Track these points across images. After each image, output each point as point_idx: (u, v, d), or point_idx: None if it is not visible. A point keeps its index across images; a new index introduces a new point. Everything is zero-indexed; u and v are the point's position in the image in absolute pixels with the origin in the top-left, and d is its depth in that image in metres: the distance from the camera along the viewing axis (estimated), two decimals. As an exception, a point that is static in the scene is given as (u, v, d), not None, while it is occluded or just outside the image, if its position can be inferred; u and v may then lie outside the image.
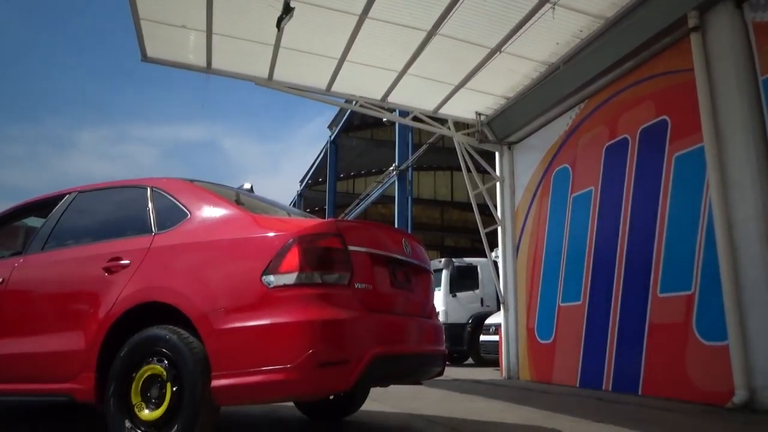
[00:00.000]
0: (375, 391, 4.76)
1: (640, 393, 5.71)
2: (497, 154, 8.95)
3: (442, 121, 8.93)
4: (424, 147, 17.01)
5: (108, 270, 3.04)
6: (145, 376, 2.72)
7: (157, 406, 2.66)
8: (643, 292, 5.85)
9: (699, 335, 5.15)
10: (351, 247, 2.82)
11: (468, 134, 8.85)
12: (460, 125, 9.05)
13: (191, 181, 3.40)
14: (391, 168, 18.16)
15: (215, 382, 2.56)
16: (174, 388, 2.62)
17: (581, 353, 6.71)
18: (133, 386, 2.72)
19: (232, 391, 2.56)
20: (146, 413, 2.67)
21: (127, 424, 2.67)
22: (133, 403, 2.70)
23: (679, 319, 5.37)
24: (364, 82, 7.72)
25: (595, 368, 6.42)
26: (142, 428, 2.65)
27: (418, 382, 3.52)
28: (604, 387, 6.23)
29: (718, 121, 5.12)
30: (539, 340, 7.66)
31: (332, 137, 23.13)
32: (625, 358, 6.01)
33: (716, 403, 4.76)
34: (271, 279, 2.63)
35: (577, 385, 6.67)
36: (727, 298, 4.81)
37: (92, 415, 4.20)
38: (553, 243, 7.60)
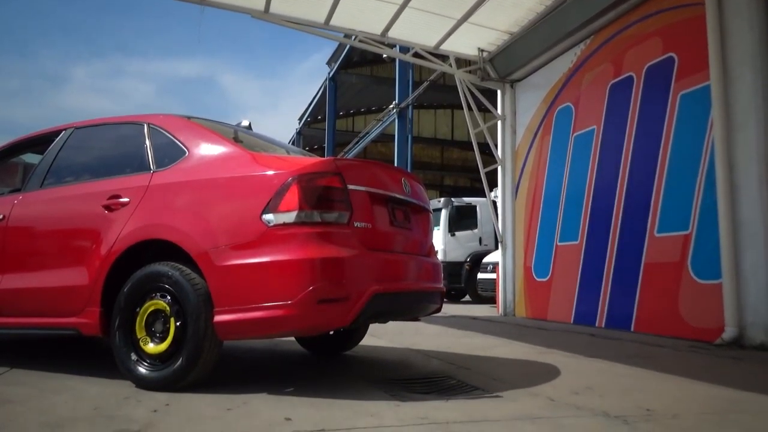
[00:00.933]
0: (374, 327, 4.87)
1: (632, 330, 5.86)
2: (499, 92, 8.79)
3: (444, 58, 8.72)
4: (425, 84, 16.69)
5: (108, 208, 3.04)
6: (149, 311, 2.78)
7: (162, 340, 2.73)
8: (641, 232, 5.90)
9: (693, 274, 5.23)
10: (350, 186, 2.81)
11: (470, 71, 8.66)
12: (462, 62, 8.84)
13: (189, 117, 3.35)
14: (391, 106, 17.88)
15: (218, 318, 2.62)
16: (177, 323, 2.68)
17: (576, 291, 6.84)
18: (138, 321, 2.79)
19: (234, 326, 2.62)
20: (151, 347, 2.75)
21: (133, 356, 2.76)
22: (138, 337, 2.78)
23: (674, 258, 5.43)
24: (364, 15, 7.46)
25: (589, 306, 6.56)
26: (148, 361, 2.74)
27: (416, 319, 3.60)
28: (597, 324, 6.39)
29: (727, 59, 5.00)
30: (536, 278, 7.79)
31: (331, 74, 22.62)
32: (620, 296, 6.13)
33: (706, 339, 4.89)
34: (271, 217, 2.64)
35: (572, 322, 6.83)
36: (723, 237, 4.85)
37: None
38: (552, 183, 7.59)
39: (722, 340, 4.72)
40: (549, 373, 3.37)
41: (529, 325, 6.67)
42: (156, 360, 2.72)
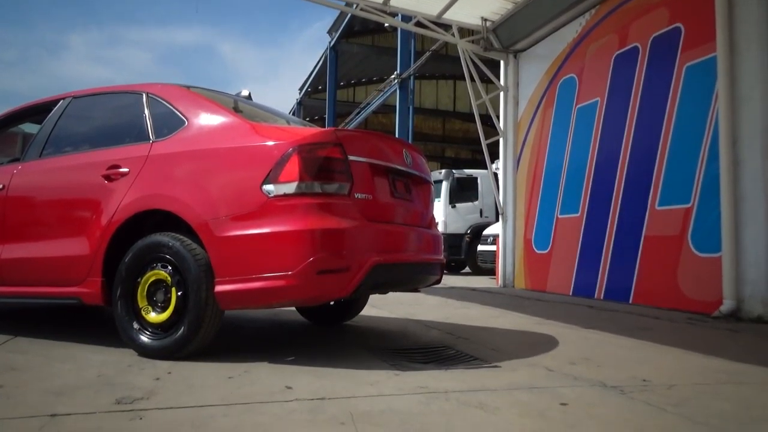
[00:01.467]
0: (374, 298, 4.91)
1: (630, 302, 5.90)
2: (502, 62, 8.68)
3: (446, 27, 8.59)
4: (427, 54, 16.47)
5: (108, 178, 3.03)
6: (150, 281, 2.80)
7: (163, 309, 2.75)
8: (642, 204, 5.89)
9: (693, 247, 5.24)
10: (351, 157, 2.80)
11: (473, 41, 8.54)
12: (465, 32, 8.71)
13: (188, 87, 3.31)
14: (393, 76, 17.68)
15: (219, 288, 2.64)
16: (179, 293, 2.70)
17: (576, 263, 6.86)
18: (139, 290, 2.81)
19: (234, 296, 2.64)
20: (153, 316, 2.77)
21: (135, 325, 2.78)
22: (140, 306, 2.80)
23: (675, 231, 5.44)
24: (366, -17, 7.33)
25: (588, 278, 6.59)
26: (150, 330, 2.76)
27: (416, 290, 3.61)
28: (596, 296, 6.43)
29: (734, 30, 4.92)
30: (536, 250, 7.81)
31: (332, 43, 22.31)
32: (619, 268, 6.16)
33: (704, 312, 4.93)
34: (271, 188, 2.63)
35: (571, 294, 6.88)
36: (724, 211, 4.85)
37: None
38: (554, 155, 7.55)
39: (720, 313, 4.75)
40: (547, 343, 3.41)
41: (528, 297, 6.72)
42: (158, 329, 2.75)
